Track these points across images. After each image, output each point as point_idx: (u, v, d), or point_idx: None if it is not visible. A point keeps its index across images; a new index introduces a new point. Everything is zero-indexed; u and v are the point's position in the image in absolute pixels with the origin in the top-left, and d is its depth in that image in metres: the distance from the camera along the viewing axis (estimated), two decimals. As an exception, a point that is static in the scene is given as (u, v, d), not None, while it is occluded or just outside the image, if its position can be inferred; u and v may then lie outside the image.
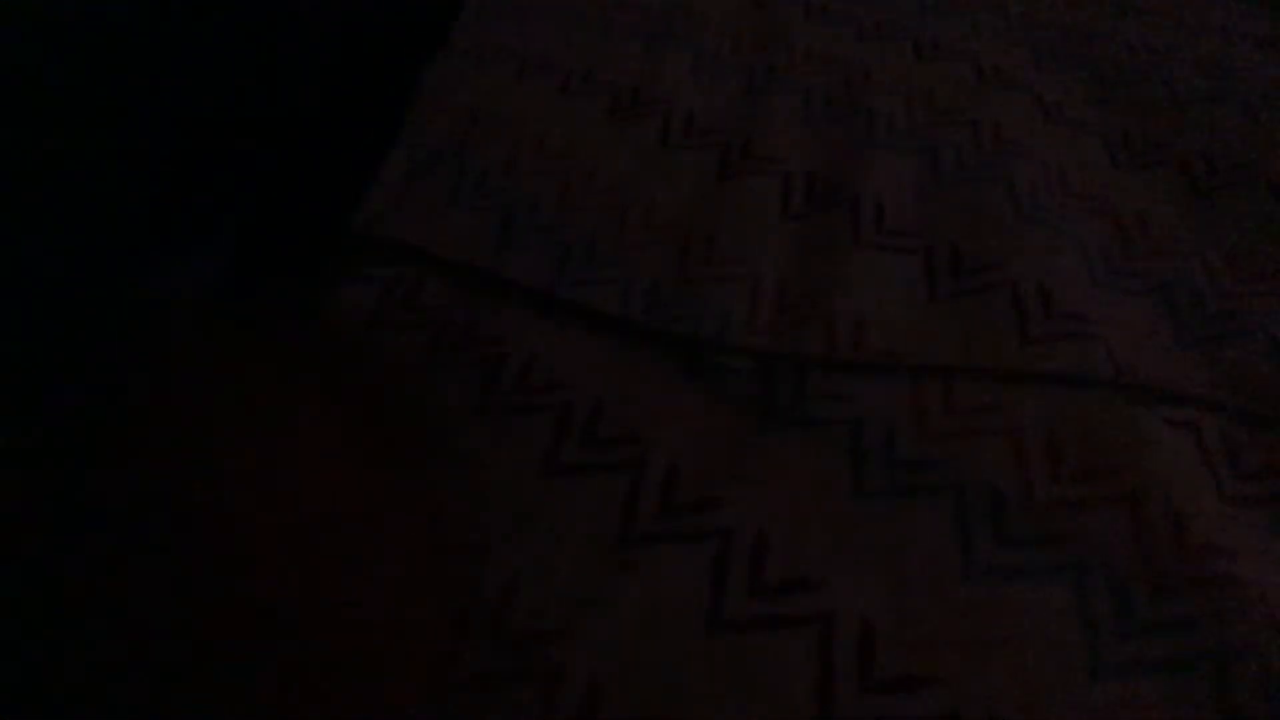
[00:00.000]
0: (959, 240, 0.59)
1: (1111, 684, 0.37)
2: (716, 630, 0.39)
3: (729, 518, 0.44)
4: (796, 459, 0.46)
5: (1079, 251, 0.59)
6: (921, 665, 0.38)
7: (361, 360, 0.52)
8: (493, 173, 0.68)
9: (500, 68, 0.81)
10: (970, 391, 0.49)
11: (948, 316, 0.55)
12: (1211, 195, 0.65)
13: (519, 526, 0.44)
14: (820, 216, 0.63)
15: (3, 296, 0.33)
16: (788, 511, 0.44)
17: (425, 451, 0.44)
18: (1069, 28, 0.88)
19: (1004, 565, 0.42)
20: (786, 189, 0.65)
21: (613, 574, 0.42)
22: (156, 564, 0.30)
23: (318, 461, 0.37)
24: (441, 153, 0.70)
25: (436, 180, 0.68)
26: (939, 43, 0.85)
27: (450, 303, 0.57)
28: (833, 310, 0.55)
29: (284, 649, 0.31)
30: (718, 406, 0.50)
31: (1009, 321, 0.54)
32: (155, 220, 0.38)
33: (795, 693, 0.37)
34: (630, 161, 0.69)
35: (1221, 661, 0.37)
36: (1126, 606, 0.40)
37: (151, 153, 0.36)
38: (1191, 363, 0.52)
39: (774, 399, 0.50)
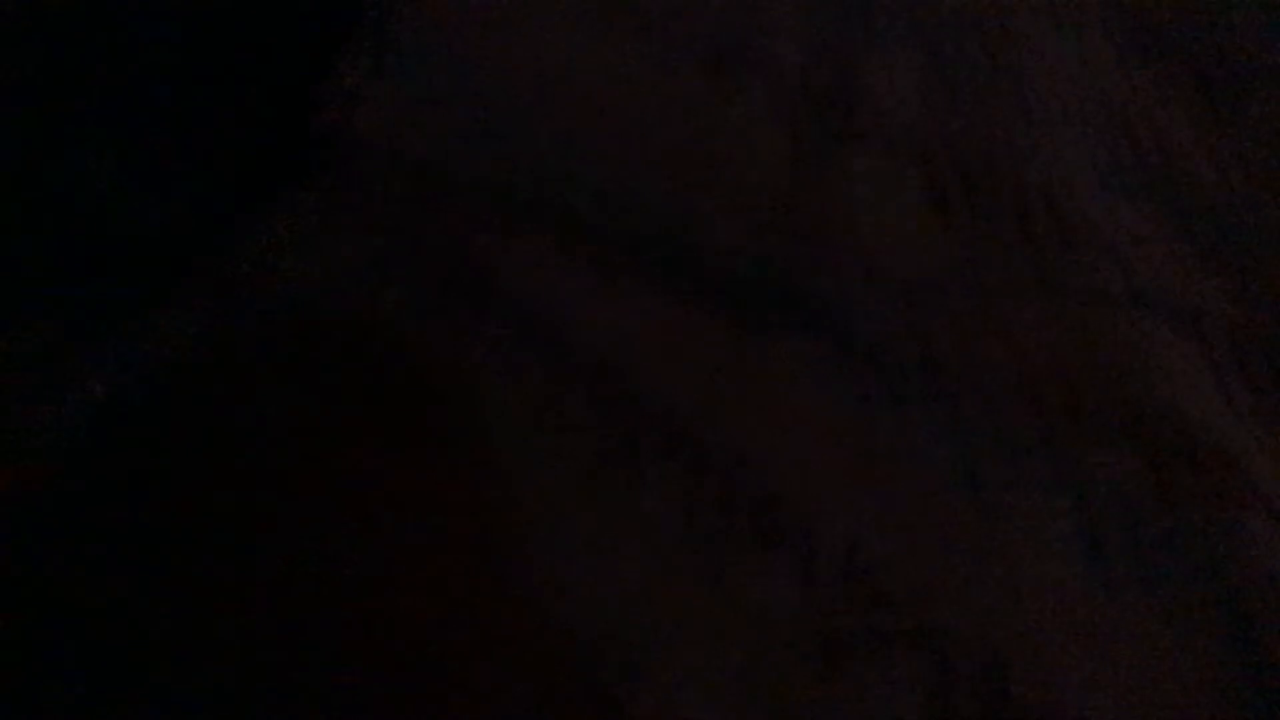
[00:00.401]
0: (963, 146, 0.56)
1: (1116, 603, 0.36)
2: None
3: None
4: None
5: (1087, 155, 0.56)
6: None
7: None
8: (459, 60, 0.63)
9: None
10: (972, 305, 0.47)
11: (956, 235, 0.52)
12: (1228, 100, 0.62)
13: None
14: (818, 119, 0.59)
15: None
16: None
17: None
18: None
19: (1007, 479, 0.40)
20: (780, 86, 0.61)
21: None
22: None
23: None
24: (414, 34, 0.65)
25: (374, 61, 0.62)
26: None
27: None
28: (839, 234, 0.51)
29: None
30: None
31: (1016, 234, 0.51)
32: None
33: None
34: (607, 58, 0.65)
35: (1235, 584, 0.36)
36: (1133, 523, 0.38)
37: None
38: (1204, 275, 0.50)
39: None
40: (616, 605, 0.36)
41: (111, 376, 0.38)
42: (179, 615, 0.30)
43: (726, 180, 0.55)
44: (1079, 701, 0.33)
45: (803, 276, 0.50)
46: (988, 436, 0.41)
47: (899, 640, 0.35)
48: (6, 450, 0.36)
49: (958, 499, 0.39)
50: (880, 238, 0.52)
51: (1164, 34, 0.67)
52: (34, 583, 0.30)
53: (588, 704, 0.34)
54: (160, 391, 0.38)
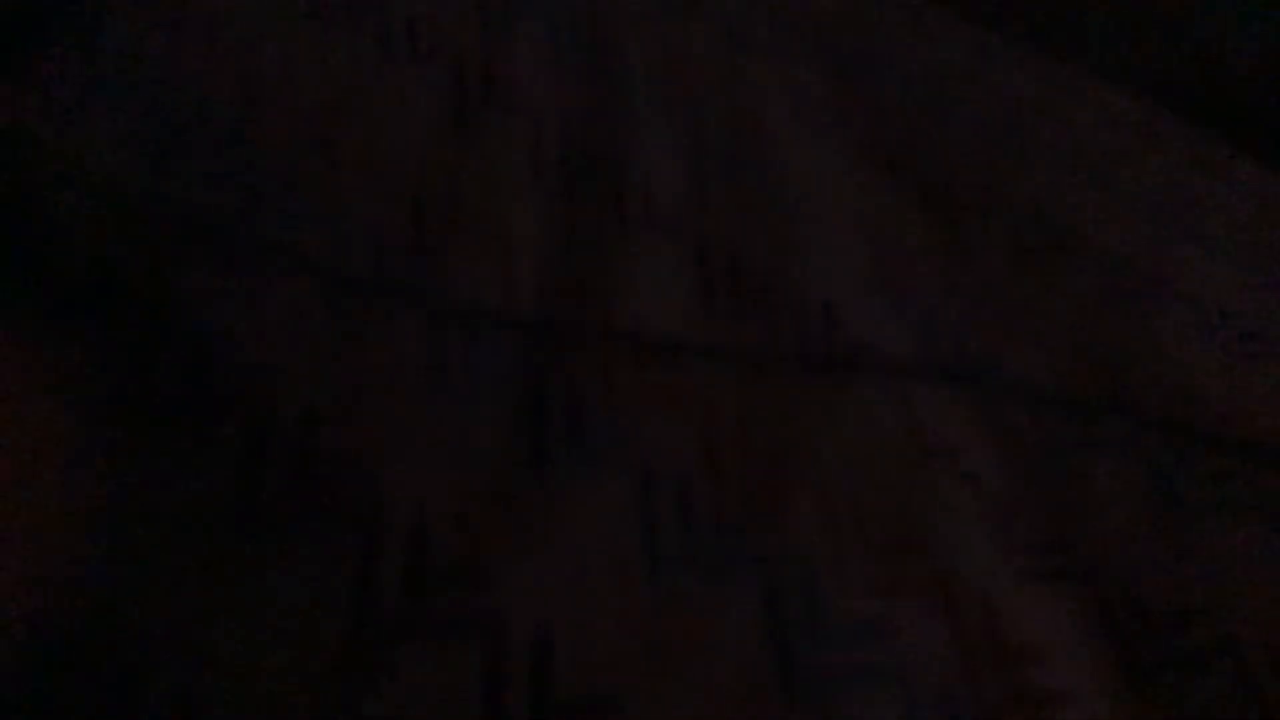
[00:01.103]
0: (734, 242, 0.53)
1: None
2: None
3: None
4: (579, 520, 0.37)
5: (852, 271, 0.55)
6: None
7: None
8: (147, 52, 0.50)
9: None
10: (766, 432, 0.43)
11: (731, 329, 0.48)
12: (955, 222, 0.63)
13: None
14: (581, 187, 0.52)
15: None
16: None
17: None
18: (808, 4, 0.84)
19: (820, 665, 0.36)
20: (539, 142, 0.54)
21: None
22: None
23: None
24: (64, 12, 0.51)
25: (59, 51, 0.48)
26: (685, -8, 0.77)
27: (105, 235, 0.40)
28: (607, 317, 0.45)
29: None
30: (471, 436, 0.39)
31: (793, 344, 0.48)
32: None
33: None
34: (339, 69, 0.54)
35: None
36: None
37: None
38: (964, 407, 0.50)
39: (544, 431, 0.40)
40: None
41: None
42: None
43: (480, 239, 0.48)
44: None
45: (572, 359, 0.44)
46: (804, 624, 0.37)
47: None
48: None
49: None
50: (644, 322, 0.47)
51: (897, 147, 0.69)
52: None
53: None
54: None
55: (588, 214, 0.51)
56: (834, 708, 0.35)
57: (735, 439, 0.42)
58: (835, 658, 0.36)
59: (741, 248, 0.53)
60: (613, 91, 0.60)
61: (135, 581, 0.32)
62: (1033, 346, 0.55)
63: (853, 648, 0.36)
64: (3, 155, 0.41)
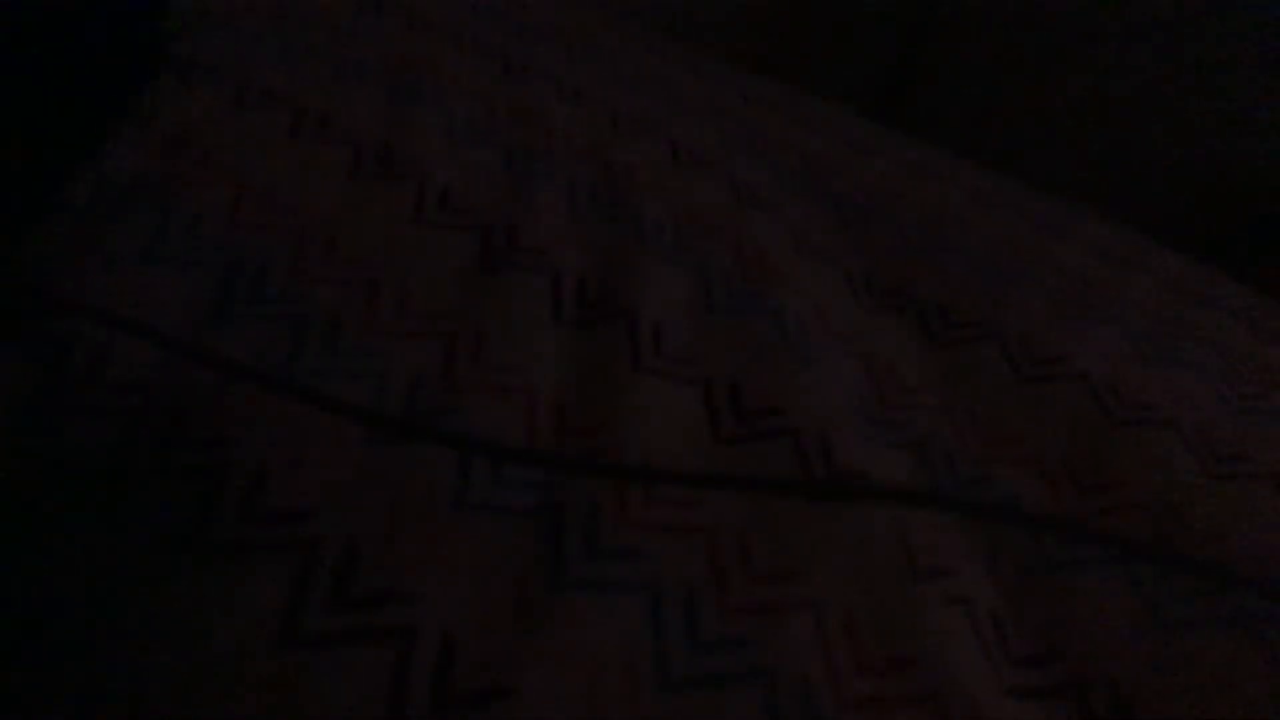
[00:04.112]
0: (738, 376, 0.57)
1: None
2: None
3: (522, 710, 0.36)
4: (594, 631, 0.40)
5: (848, 399, 0.58)
6: None
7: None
8: (208, 220, 0.56)
9: (213, 91, 0.68)
10: (768, 553, 0.46)
11: (735, 461, 0.51)
12: (949, 349, 0.67)
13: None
14: (596, 329, 0.57)
15: None
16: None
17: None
18: (807, 155, 0.90)
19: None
20: (557, 290, 0.59)
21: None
22: None
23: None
24: (140, 187, 0.57)
25: (132, 222, 0.54)
26: (695, 151, 0.83)
27: (150, 380, 0.45)
28: (621, 451, 0.49)
29: None
30: (496, 556, 0.42)
31: (793, 471, 0.51)
32: None
33: None
34: (379, 233, 0.60)
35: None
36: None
37: None
38: (955, 530, 0.53)
39: (562, 550, 0.43)
40: None
41: None
42: None
43: (504, 378, 0.52)
44: None
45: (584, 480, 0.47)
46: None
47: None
48: None
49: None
50: (655, 452, 0.51)
51: (895, 283, 0.73)
52: None
53: None
54: None
55: (602, 354, 0.55)
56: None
57: (739, 558, 0.46)
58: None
59: (745, 381, 0.56)
60: (626, 243, 0.65)
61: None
62: (1023, 467, 0.58)
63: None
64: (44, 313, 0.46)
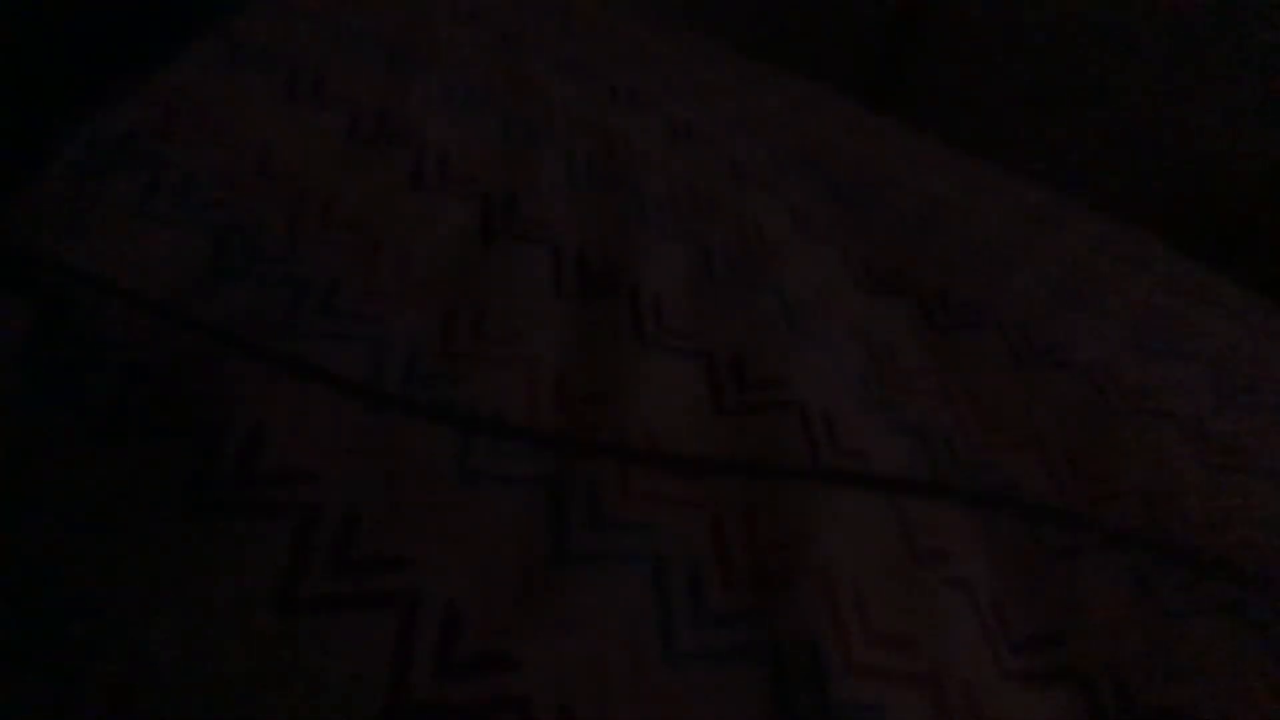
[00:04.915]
0: (740, 349, 0.56)
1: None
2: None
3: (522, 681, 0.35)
4: (595, 604, 0.39)
5: (849, 378, 0.58)
6: None
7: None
8: (201, 180, 0.55)
9: (207, 50, 0.67)
10: (770, 525, 0.45)
11: (738, 433, 0.51)
12: (949, 334, 0.67)
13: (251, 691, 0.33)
14: (598, 302, 0.56)
15: None
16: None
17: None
18: (805, 137, 0.89)
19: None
20: (559, 262, 0.58)
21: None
22: None
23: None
24: (133, 144, 0.55)
25: (124, 179, 0.53)
26: (690, 127, 0.82)
27: (141, 341, 0.44)
28: (624, 421, 0.48)
29: None
30: (499, 525, 0.41)
31: (798, 448, 0.51)
32: None
33: None
34: (377, 197, 0.59)
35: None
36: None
37: None
38: (955, 513, 0.52)
39: (566, 520, 0.42)
40: None
41: None
42: None
43: (504, 351, 0.51)
44: None
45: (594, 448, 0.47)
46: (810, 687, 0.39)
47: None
48: None
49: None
50: (657, 426, 0.50)
51: (893, 265, 0.72)
52: None
53: None
54: None
55: (604, 325, 0.55)
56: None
57: (742, 530, 0.45)
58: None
59: (747, 354, 0.56)
60: (626, 217, 0.65)
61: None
62: (1023, 454, 0.57)
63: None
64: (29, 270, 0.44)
